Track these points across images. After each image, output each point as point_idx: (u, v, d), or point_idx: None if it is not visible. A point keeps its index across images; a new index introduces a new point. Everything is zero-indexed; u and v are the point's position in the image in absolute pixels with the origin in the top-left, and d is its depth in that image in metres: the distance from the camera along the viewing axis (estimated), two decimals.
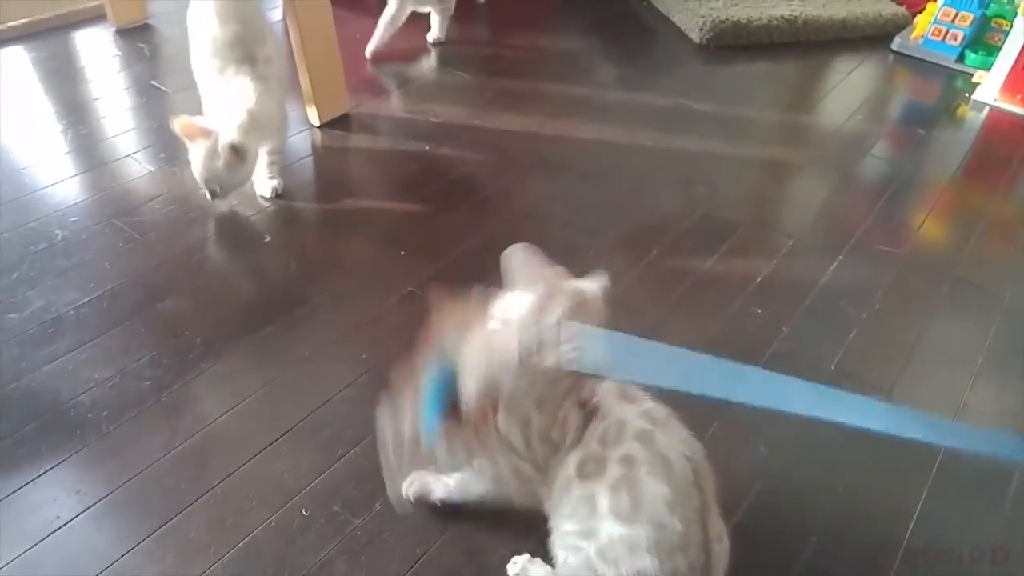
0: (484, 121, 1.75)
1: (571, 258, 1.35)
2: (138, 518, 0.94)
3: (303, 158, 1.64)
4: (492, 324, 0.77)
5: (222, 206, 1.44)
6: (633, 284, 1.34)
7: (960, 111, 1.98)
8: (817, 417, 0.59)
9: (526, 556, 0.90)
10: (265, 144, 1.42)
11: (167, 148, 1.61)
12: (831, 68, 2.15)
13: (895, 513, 0.99)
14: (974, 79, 2.05)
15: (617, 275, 1.34)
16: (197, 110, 1.78)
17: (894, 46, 2.23)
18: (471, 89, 1.92)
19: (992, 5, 2.08)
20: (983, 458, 0.96)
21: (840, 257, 1.41)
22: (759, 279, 1.35)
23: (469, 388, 0.75)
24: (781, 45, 2.23)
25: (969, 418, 1.12)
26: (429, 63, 2.04)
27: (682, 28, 2.28)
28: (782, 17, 2.22)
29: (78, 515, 0.94)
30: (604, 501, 0.72)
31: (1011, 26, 1.94)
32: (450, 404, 0.76)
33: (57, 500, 0.96)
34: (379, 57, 1.97)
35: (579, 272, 1.36)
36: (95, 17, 2.06)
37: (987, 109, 1.97)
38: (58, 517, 0.94)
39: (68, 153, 1.59)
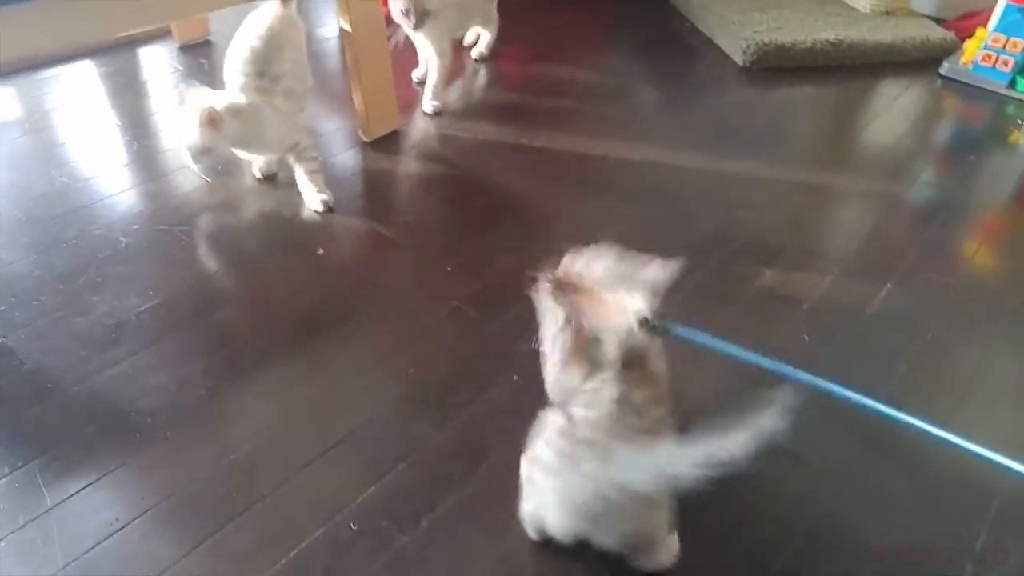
0: (530, 140, 1.77)
1: None
2: (191, 525, 0.96)
3: (353, 174, 1.68)
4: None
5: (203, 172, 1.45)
6: (678, 308, 1.33)
7: (1012, 137, 1.95)
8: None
9: None
10: (257, 151, 1.50)
11: (224, 159, 1.66)
12: (877, 92, 2.13)
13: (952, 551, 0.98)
14: None
15: (664, 298, 1.35)
16: None
17: (942, 71, 2.20)
18: (517, 108, 1.94)
19: None
20: None
21: (888, 286, 1.39)
22: (806, 306, 1.34)
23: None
24: (826, 68, 2.21)
25: None
26: (476, 82, 2.08)
27: (725, 50, 2.28)
28: (827, 40, 2.21)
29: (136, 519, 0.97)
30: None
31: None
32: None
33: (116, 503, 0.99)
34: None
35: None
36: (161, 34, 2.14)
37: None
38: (117, 519, 0.97)
39: (130, 164, 1.65)
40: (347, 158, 1.71)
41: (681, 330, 0.94)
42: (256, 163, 1.59)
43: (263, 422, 1.10)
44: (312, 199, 1.51)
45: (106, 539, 0.95)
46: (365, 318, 1.28)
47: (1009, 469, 0.61)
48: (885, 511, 1.02)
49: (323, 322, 1.27)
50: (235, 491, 1.01)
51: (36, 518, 0.96)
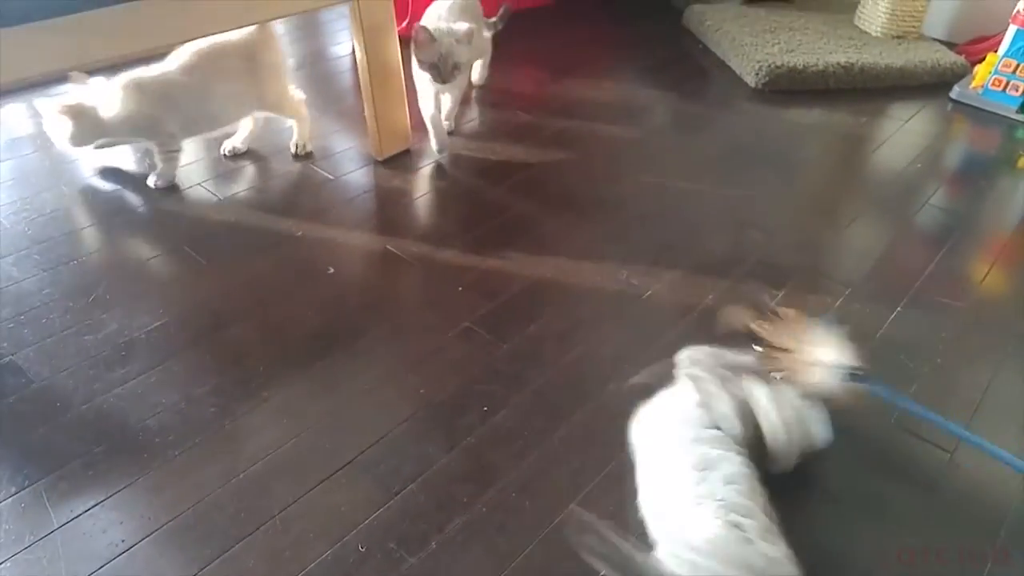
0: (542, 160, 1.77)
1: (626, 299, 1.39)
2: (199, 545, 0.96)
3: (365, 192, 1.68)
4: None
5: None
6: (689, 329, 1.33)
7: (1021, 162, 1.94)
8: None
9: None
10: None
11: (235, 178, 1.67)
12: (888, 115, 2.14)
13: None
14: None
15: (672, 320, 1.35)
16: (267, 141, 1.85)
17: (953, 95, 2.20)
18: (529, 129, 1.95)
19: None
20: None
21: (899, 308, 1.39)
22: None
23: None
24: (837, 91, 2.22)
25: None
26: (489, 102, 2.09)
27: (738, 72, 2.29)
28: (838, 64, 2.22)
29: (143, 539, 0.96)
30: None
31: None
32: None
33: (123, 523, 0.98)
34: None
35: (634, 312, 1.37)
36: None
37: None
38: (123, 540, 0.96)
39: (142, 181, 1.66)
40: (359, 176, 1.71)
41: (878, 387, 1.03)
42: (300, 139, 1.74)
43: (273, 441, 1.09)
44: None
45: (112, 560, 0.94)
46: (376, 338, 1.28)
47: None
48: (894, 535, 1.01)
49: (333, 341, 1.27)
50: (243, 511, 1.00)
51: (42, 538, 0.96)
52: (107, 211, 1.57)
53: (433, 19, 1.73)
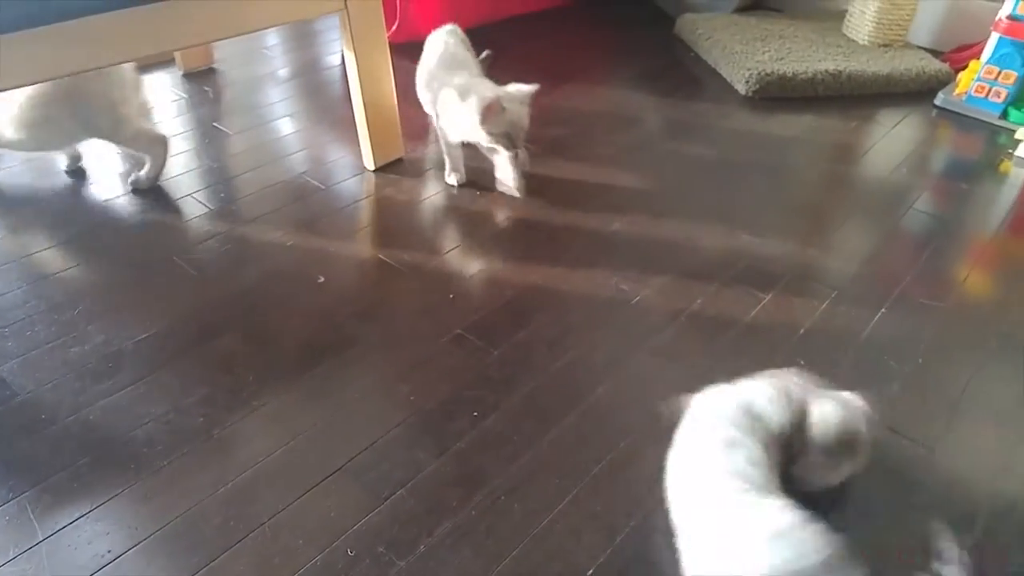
0: (533, 168, 1.78)
1: (616, 304, 1.39)
2: (187, 554, 0.95)
3: (357, 201, 1.69)
4: None
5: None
6: (678, 333, 1.34)
7: (1003, 167, 1.97)
8: None
9: None
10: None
11: (226, 188, 1.68)
12: (875, 121, 2.16)
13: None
14: (1017, 135, 2.04)
15: (661, 324, 1.35)
16: (259, 151, 1.86)
17: (937, 101, 2.23)
18: None
19: None
20: None
21: (883, 310, 1.40)
22: (802, 330, 1.34)
23: None
24: (826, 98, 2.24)
25: (1015, 480, 1.09)
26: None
27: (728, 80, 2.31)
28: (827, 71, 2.24)
29: (129, 550, 0.95)
30: None
31: None
32: None
33: (109, 534, 0.97)
34: None
35: (624, 317, 1.38)
36: (164, 62, 2.17)
37: None
38: (109, 551, 0.95)
39: (131, 192, 1.66)
40: (350, 185, 1.72)
41: None
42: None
43: (263, 450, 1.09)
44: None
45: (98, 571, 0.93)
46: (366, 346, 1.28)
47: None
48: (868, 530, 1.01)
49: (324, 350, 1.27)
50: (232, 519, 0.99)
51: (27, 551, 0.95)
52: (95, 222, 1.57)
53: (425, 76, 1.73)
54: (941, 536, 0.98)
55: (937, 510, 1.03)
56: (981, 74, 2.13)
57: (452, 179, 1.72)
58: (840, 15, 2.59)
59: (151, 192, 1.67)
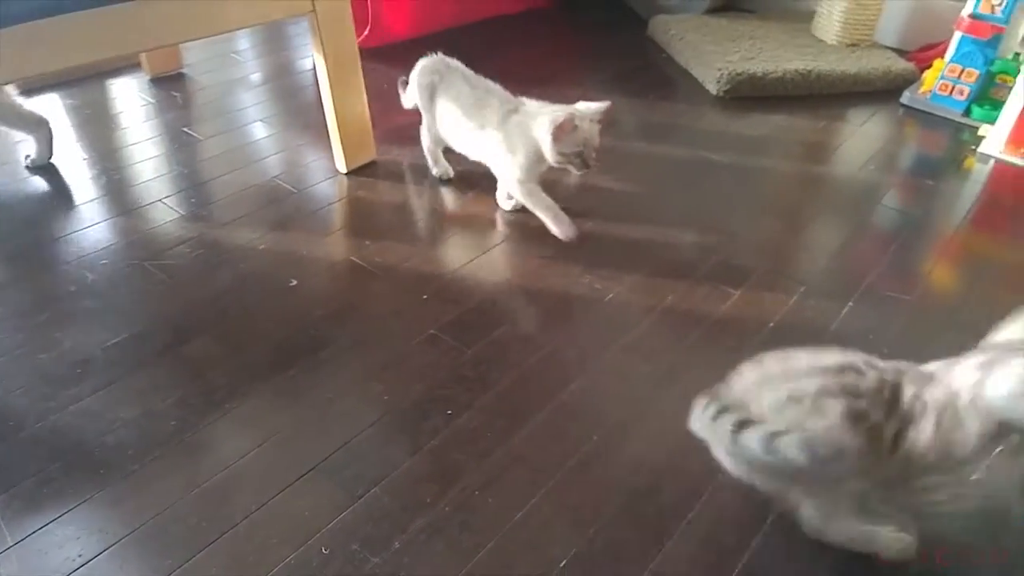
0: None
1: (589, 302, 1.40)
2: (160, 556, 0.95)
3: (330, 204, 1.69)
4: None
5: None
6: (650, 329, 1.35)
7: (967, 163, 2.01)
8: None
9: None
10: None
11: (197, 193, 1.67)
12: (844, 120, 2.20)
13: None
14: (979, 132, 2.08)
15: (634, 320, 1.37)
16: (230, 156, 1.85)
17: (904, 100, 2.27)
18: None
19: (996, 62, 2.12)
20: None
21: (851, 303, 1.42)
22: (771, 324, 1.36)
23: None
24: (796, 97, 2.28)
25: None
26: None
27: (700, 80, 2.34)
28: (796, 71, 2.28)
29: (100, 553, 0.95)
30: None
31: (1015, 82, 1.99)
32: None
33: (80, 538, 0.97)
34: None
35: (597, 314, 1.39)
36: (130, 66, 2.15)
37: (992, 161, 2.00)
38: (80, 555, 0.95)
39: (101, 198, 1.65)
40: (323, 188, 1.72)
41: None
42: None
43: (236, 452, 1.09)
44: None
45: (69, 575, 0.92)
46: (339, 348, 1.28)
47: None
48: None
49: (296, 352, 1.26)
50: (205, 520, 0.99)
51: None
52: (63, 229, 1.55)
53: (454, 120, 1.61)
54: None
55: None
56: (945, 72, 2.18)
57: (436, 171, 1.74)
58: (809, 16, 2.64)
59: (123, 198, 1.66)
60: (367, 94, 1.73)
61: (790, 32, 2.58)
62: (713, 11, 2.74)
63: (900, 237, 1.65)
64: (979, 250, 1.68)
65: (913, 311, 1.43)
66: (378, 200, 1.70)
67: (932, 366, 0.93)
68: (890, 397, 0.87)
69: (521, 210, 1.64)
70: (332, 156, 1.77)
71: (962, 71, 2.15)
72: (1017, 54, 2.05)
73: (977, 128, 2.10)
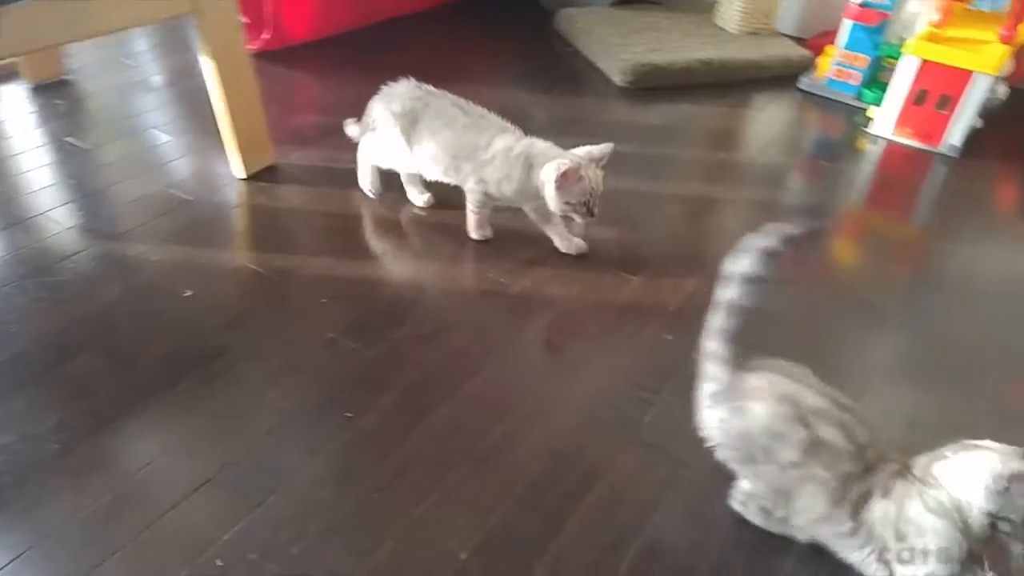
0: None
1: (495, 296, 1.40)
2: None
3: (226, 211, 1.64)
4: None
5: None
6: (554, 320, 1.36)
7: (860, 144, 2.10)
8: None
9: None
10: None
11: (86, 205, 1.59)
12: (746, 106, 2.26)
13: None
14: (869, 114, 2.18)
15: (538, 312, 1.37)
16: (121, 165, 1.77)
17: (801, 85, 2.36)
18: None
19: (883, 47, 2.22)
20: None
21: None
22: (671, 308, 1.39)
23: None
24: (700, 86, 2.33)
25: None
26: (358, 115, 2.07)
27: (606, 72, 2.37)
28: (699, 60, 2.34)
29: None
30: None
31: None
32: None
33: None
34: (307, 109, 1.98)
35: (502, 309, 1.39)
36: (8, 75, 2.03)
37: (883, 142, 2.10)
38: None
39: None
40: (219, 195, 1.66)
41: None
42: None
43: (125, 471, 1.04)
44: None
45: None
46: (234, 356, 1.24)
47: None
48: None
49: (190, 364, 1.22)
50: (90, 544, 0.94)
51: None
52: None
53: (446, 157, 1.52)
54: None
55: None
56: (837, 58, 2.27)
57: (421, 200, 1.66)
58: (712, 6, 2.71)
59: (5, 212, 1.57)
60: (269, 98, 1.69)
61: (695, 23, 2.65)
62: (620, 3, 2.78)
63: (801, 217, 1.71)
64: (872, 227, 1.76)
65: (812, 289, 1.49)
66: (277, 205, 1.66)
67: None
68: (872, 462, 0.90)
69: (430, 207, 1.63)
70: (227, 162, 1.71)
71: (854, 57, 2.24)
72: (902, 38, 2.15)
73: (867, 110, 2.20)
